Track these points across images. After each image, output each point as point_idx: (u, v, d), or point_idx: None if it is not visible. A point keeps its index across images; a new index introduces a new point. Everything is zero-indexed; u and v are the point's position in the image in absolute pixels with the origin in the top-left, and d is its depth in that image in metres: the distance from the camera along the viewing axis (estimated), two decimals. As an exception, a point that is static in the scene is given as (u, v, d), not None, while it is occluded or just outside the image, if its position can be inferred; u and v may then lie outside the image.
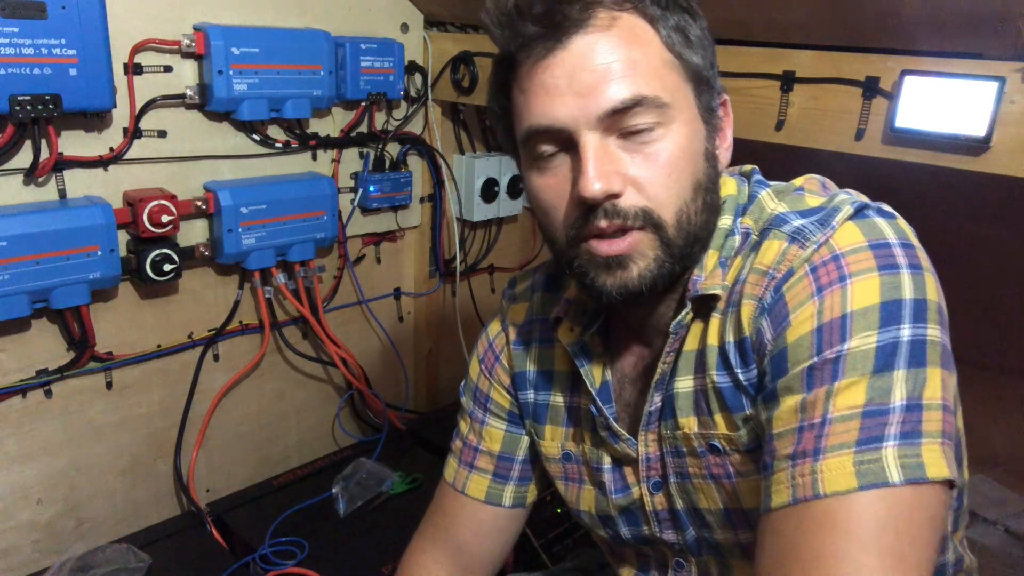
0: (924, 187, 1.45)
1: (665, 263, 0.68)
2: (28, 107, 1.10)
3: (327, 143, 1.56)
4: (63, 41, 1.11)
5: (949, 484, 0.58)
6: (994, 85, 0.93)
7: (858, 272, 0.62)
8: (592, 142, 0.65)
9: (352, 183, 1.63)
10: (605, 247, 0.67)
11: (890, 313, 0.60)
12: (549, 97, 0.66)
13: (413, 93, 1.67)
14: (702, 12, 0.71)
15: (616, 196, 0.66)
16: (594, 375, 0.81)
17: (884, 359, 0.59)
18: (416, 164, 1.74)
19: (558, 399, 0.88)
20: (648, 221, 0.67)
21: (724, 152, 0.74)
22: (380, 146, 1.64)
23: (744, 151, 1.16)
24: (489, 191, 1.81)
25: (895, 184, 1.42)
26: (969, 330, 1.74)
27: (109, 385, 1.37)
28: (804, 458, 0.59)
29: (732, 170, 0.80)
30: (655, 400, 0.76)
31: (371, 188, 1.63)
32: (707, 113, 0.71)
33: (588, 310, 0.82)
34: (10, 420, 1.27)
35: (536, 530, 1.43)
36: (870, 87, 1.05)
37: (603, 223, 0.66)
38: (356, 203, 1.64)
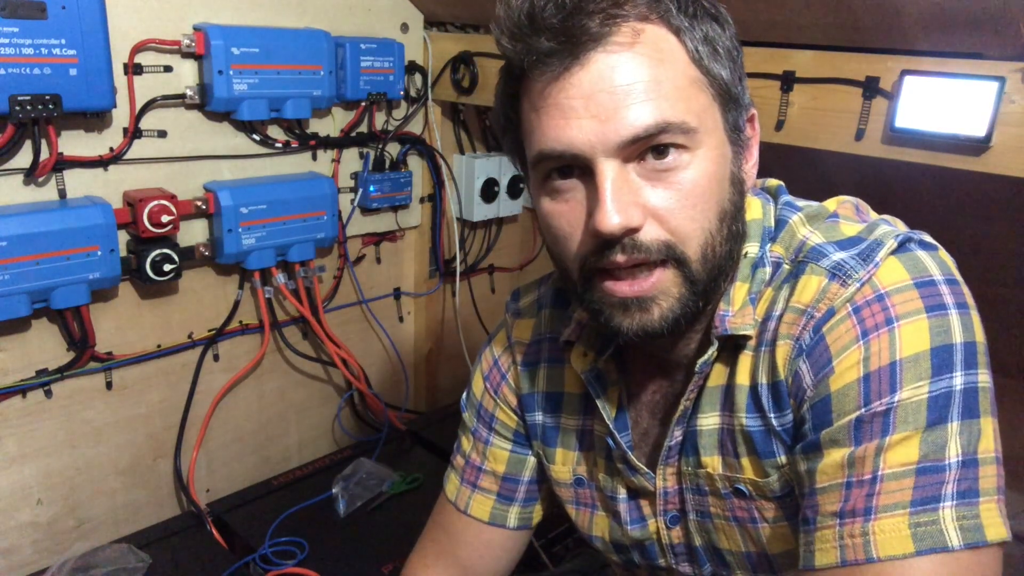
0: (923, 187, 1.45)
1: (689, 301, 0.63)
2: (28, 107, 1.10)
3: (327, 143, 1.56)
4: (63, 41, 1.10)
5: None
6: (994, 85, 0.93)
7: (905, 314, 0.59)
8: (611, 171, 0.60)
9: (352, 183, 1.63)
10: (625, 288, 0.62)
11: (941, 360, 0.57)
12: (565, 120, 0.60)
13: (413, 93, 1.67)
14: (731, 19, 0.66)
15: (635, 230, 0.60)
16: (610, 405, 0.76)
17: (937, 411, 0.56)
18: (416, 164, 1.74)
19: (569, 422, 0.83)
20: (671, 256, 0.61)
21: (751, 171, 0.69)
22: (380, 146, 1.64)
23: (744, 151, 1.16)
24: (489, 191, 1.81)
25: (894, 184, 1.42)
26: (969, 330, 1.73)
27: (109, 385, 1.37)
28: (854, 517, 0.56)
29: (754, 185, 0.73)
30: (675, 435, 0.72)
31: (371, 188, 1.62)
32: (734, 133, 0.65)
33: (602, 333, 0.77)
34: (10, 420, 1.27)
35: (536, 531, 1.42)
36: (870, 87, 1.05)
37: (621, 258, 0.61)
38: (356, 203, 1.64)
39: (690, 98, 0.61)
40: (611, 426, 0.75)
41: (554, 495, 0.89)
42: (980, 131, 0.95)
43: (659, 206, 0.61)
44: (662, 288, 0.62)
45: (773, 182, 0.76)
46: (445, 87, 1.66)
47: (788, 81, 1.13)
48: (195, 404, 1.47)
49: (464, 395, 0.93)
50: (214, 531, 1.38)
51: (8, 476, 1.29)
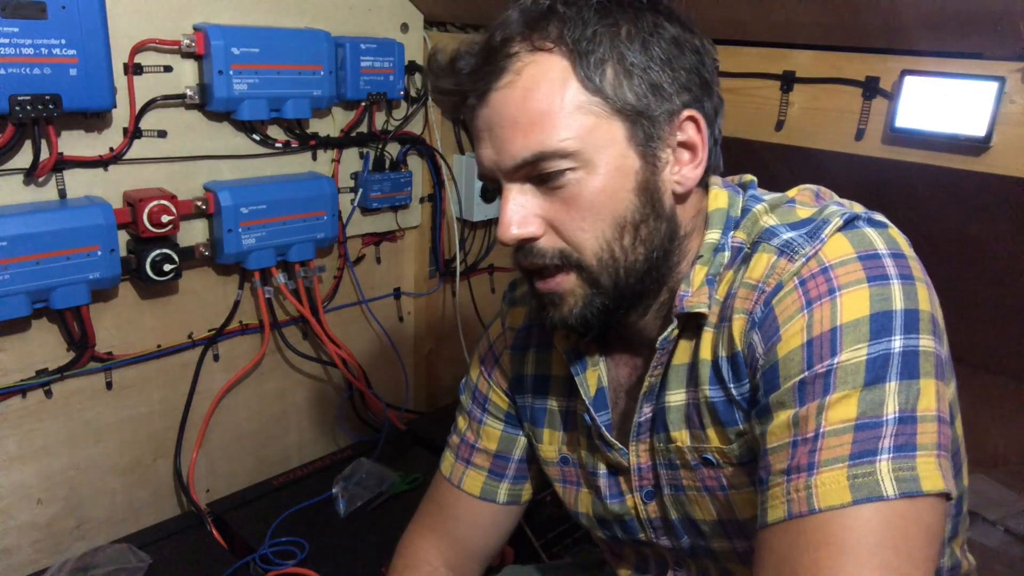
0: (923, 187, 1.45)
1: (594, 300, 0.70)
2: (28, 107, 1.10)
3: (327, 143, 1.56)
4: (63, 41, 1.11)
5: (946, 496, 0.58)
6: (994, 85, 0.93)
7: (847, 284, 0.62)
8: (510, 190, 0.69)
9: (352, 183, 1.63)
10: (539, 284, 0.72)
11: (880, 325, 0.60)
12: (480, 147, 0.71)
13: (413, 93, 1.67)
14: (670, 24, 0.68)
15: (533, 239, 0.69)
16: (589, 382, 0.81)
17: (875, 371, 0.59)
18: (416, 164, 1.74)
19: (555, 404, 0.88)
20: (567, 262, 0.69)
21: (689, 171, 0.71)
22: (380, 146, 1.64)
23: (744, 151, 1.16)
24: (489, 191, 1.81)
25: (894, 184, 1.42)
26: (969, 330, 1.74)
27: (109, 385, 1.37)
28: (798, 473, 0.59)
29: (730, 180, 0.79)
30: (644, 412, 0.77)
31: (371, 188, 1.63)
32: (643, 146, 0.68)
33: None
34: (10, 420, 1.27)
35: (536, 530, 1.43)
36: (870, 87, 1.05)
37: (523, 262, 0.71)
38: (356, 203, 1.64)
39: (572, 124, 0.66)
40: (588, 403, 0.80)
41: (543, 475, 0.94)
42: (980, 131, 0.95)
43: (554, 219, 0.69)
44: (566, 288, 0.71)
45: (747, 177, 0.80)
46: (445, 87, 1.65)
47: (788, 81, 1.13)
48: (195, 404, 1.47)
49: (464, 380, 0.99)
50: (214, 531, 1.39)
51: (8, 476, 1.29)
